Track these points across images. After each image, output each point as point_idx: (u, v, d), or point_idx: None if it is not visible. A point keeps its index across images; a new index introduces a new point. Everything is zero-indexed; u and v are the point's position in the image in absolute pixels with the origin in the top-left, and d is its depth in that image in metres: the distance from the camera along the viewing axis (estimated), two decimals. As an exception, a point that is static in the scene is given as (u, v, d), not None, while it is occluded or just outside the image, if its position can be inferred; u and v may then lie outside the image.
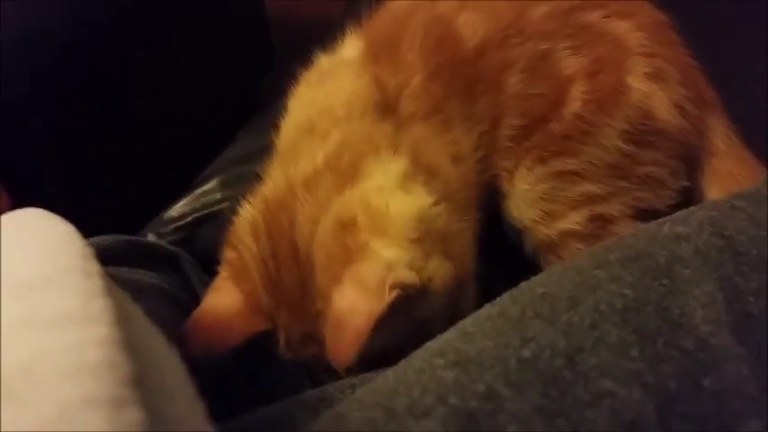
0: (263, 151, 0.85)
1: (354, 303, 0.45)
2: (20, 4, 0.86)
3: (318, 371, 0.53)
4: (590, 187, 0.59)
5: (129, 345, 0.27)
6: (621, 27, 0.61)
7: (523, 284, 0.42)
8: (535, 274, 0.43)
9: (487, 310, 0.40)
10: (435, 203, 0.52)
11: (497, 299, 0.41)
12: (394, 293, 0.44)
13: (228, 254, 0.56)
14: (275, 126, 0.64)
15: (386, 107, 0.59)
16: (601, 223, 0.59)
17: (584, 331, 0.35)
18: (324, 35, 0.71)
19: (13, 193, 0.83)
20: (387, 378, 0.37)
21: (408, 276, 0.46)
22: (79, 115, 0.94)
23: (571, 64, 0.60)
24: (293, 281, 0.51)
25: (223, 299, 0.54)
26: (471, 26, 0.61)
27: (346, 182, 0.52)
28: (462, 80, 0.60)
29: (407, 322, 0.48)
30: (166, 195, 0.87)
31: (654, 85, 0.59)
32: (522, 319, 0.37)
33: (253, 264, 0.53)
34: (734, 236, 0.40)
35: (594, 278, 0.39)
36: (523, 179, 0.61)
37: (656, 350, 0.34)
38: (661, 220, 0.44)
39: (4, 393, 0.24)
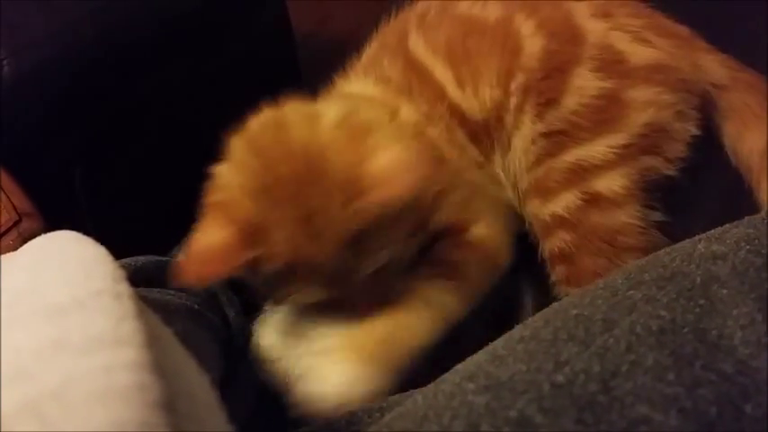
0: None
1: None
2: (52, 27, 0.87)
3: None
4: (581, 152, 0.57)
5: (159, 368, 0.27)
6: None
7: (556, 304, 0.41)
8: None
9: (519, 331, 0.39)
10: None
11: (529, 319, 0.40)
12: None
13: None
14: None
15: None
16: (600, 205, 0.57)
17: (619, 355, 0.34)
18: (349, 52, 0.72)
19: (46, 215, 0.84)
20: (416, 402, 0.36)
21: None
22: (111, 138, 0.96)
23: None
24: None
25: None
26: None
27: None
28: None
29: None
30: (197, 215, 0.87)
31: (603, 23, 0.59)
32: (556, 342, 0.36)
33: None
34: None
35: (629, 299, 0.38)
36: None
37: (694, 374, 0.33)
38: (696, 237, 0.43)
39: (34, 418, 0.25)
